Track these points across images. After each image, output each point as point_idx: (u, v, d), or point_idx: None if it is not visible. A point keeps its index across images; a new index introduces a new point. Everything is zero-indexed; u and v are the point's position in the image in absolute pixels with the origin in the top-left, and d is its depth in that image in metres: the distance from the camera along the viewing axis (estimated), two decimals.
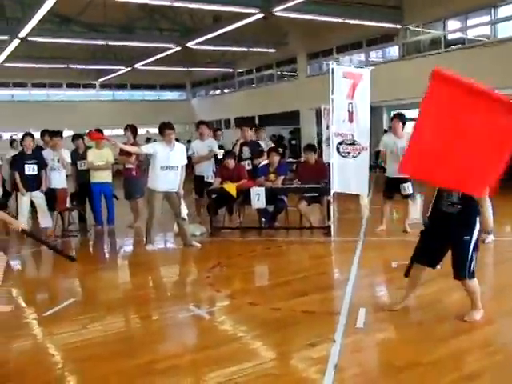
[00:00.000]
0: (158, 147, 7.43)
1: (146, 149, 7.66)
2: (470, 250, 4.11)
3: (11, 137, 13.50)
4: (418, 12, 16.32)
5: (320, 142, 12.17)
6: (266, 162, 8.84)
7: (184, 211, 7.66)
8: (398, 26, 16.94)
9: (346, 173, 8.06)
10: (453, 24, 16.54)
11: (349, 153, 8.10)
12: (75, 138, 9.61)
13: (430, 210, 4.32)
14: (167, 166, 7.33)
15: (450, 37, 16.61)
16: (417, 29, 16.90)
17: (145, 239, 7.68)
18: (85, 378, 3.63)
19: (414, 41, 17.32)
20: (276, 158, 8.55)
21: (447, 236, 4.21)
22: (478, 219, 4.12)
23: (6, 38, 16.48)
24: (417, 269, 4.42)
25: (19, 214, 8.18)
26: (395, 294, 5.17)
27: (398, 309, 4.53)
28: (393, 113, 11.63)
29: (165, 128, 7.40)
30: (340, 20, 16.09)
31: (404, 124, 7.93)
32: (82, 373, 3.70)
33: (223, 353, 3.83)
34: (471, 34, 15.97)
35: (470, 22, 15.92)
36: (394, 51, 18.47)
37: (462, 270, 4.15)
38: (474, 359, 3.59)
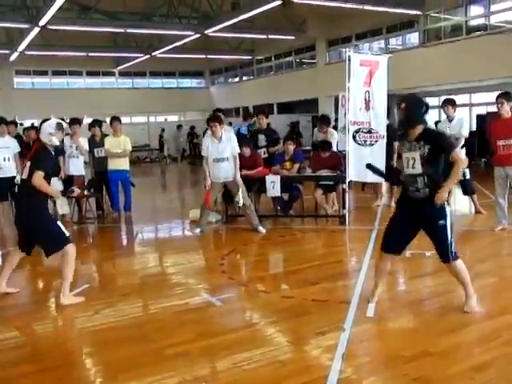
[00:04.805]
0: (208, 141, 7.57)
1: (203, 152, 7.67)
2: (449, 233, 4.09)
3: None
4: None
5: (336, 129, 12.12)
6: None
7: (241, 199, 7.57)
8: (419, 13, 16.68)
9: (362, 161, 8.00)
10: (475, 10, 16.22)
11: (365, 141, 8.07)
12: (92, 125, 9.69)
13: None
14: (217, 157, 7.47)
15: (472, 23, 16.30)
16: (438, 15, 16.62)
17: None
18: (98, 361, 3.72)
19: (434, 27, 17.05)
20: (291, 147, 8.54)
21: (416, 223, 4.19)
22: (446, 202, 4.11)
23: (26, 26, 16.63)
24: (385, 258, 4.41)
25: None
26: (407, 284, 5.18)
27: (373, 301, 4.43)
28: None
29: (208, 120, 7.58)
30: (360, 6, 15.88)
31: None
32: (96, 356, 3.79)
33: (233, 340, 3.87)
34: (494, 20, 15.63)
35: (493, 8, 15.58)
36: (414, 38, 18.21)
37: (447, 254, 4.14)
38: (482, 350, 3.56)
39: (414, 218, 4.19)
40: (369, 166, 4.84)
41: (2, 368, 3.60)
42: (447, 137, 4.31)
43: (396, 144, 7.91)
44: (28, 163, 4.85)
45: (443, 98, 8.83)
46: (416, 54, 17.19)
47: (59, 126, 4.89)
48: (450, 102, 8.14)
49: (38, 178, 4.69)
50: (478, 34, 15.70)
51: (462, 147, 8.11)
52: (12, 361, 3.72)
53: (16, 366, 3.63)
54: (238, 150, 7.62)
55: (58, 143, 4.93)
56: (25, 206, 4.87)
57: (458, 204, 9.13)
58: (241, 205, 7.68)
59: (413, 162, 4.09)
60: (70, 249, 4.83)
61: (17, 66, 24.52)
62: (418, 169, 4.07)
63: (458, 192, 8.93)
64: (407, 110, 4.14)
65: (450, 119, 8.07)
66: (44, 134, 4.88)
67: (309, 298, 4.69)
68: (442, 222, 4.07)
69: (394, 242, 4.32)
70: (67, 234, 4.90)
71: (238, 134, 10.05)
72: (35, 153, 4.92)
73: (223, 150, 7.46)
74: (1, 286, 5.05)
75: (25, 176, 4.83)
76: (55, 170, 4.96)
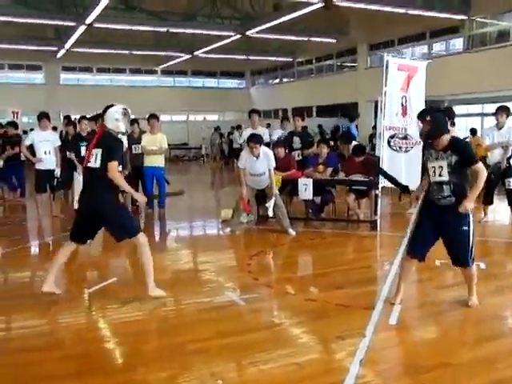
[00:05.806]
0: (246, 156, 7.68)
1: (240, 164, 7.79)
2: (471, 238, 4.28)
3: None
4: (487, 2, 15.66)
5: (374, 136, 12.02)
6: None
7: (271, 208, 7.58)
8: (465, 17, 16.32)
9: (397, 167, 7.91)
10: None
11: (400, 147, 7.96)
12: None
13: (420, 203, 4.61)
14: (253, 173, 7.64)
15: None
16: (484, 20, 16.22)
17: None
18: (120, 353, 3.82)
19: (480, 33, 16.66)
20: (324, 150, 8.51)
21: (438, 229, 4.36)
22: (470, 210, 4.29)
23: (73, 24, 17.11)
24: (408, 261, 4.59)
25: (74, 194, 8.52)
26: (433, 293, 5.09)
27: (396, 302, 4.55)
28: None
29: (249, 140, 7.65)
30: (403, 11, 15.66)
31: (451, 119, 7.71)
32: (119, 348, 3.89)
33: (252, 339, 3.90)
34: None
35: None
36: (458, 44, 17.83)
37: (466, 259, 4.32)
38: (506, 365, 3.46)
39: (438, 225, 4.35)
40: (382, 173, 5.03)
41: (26, 352, 3.72)
42: (471, 148, 4.48)
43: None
44: (96, 151, 4.61)
45: (486, 105, 8.64)
46: (460, 60, 16.83)
47: (125, 112, 4.72)
48: (504, 110, 7.97)
49: (114, 169, 4.54)
50: None
51: (510, 157, 7.91)
52: (36, 347, 3.84)
53: (39, 352, 3.74)
54: (274, 165, 7.69)
55: (124, 129, 4.77)
56: (98, 194, 4.64)
57: (496, 214, 8.92)
58: (270, 213, 7.66)
59: (440, 171, 4.26)
60: (142, 237, 4.74)
61: (63, 62, 25.24)
62: (445, 177, 4.24)
63: (501, 203, 8.74)
64: (432, 121, 4.32)
65: (499, 126, 7.88)
66: (110, 120, 4.68)
67: (332, 302, 4.67)
68: (465, 227, 4.26)
69: (418, 246, 4.50)
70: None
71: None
72: (105, 141, 4.65)
73: (260, 167, 7.61)
74: (50, 286, 4.85)
75: (96, 165, 4.59)
76: (123, 161, 4.80)
